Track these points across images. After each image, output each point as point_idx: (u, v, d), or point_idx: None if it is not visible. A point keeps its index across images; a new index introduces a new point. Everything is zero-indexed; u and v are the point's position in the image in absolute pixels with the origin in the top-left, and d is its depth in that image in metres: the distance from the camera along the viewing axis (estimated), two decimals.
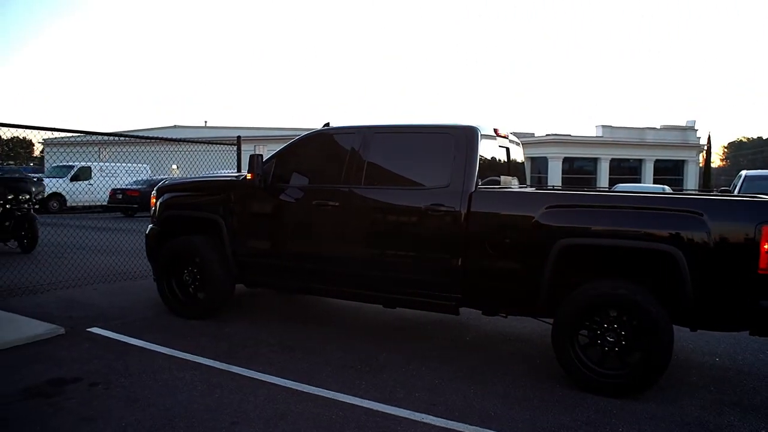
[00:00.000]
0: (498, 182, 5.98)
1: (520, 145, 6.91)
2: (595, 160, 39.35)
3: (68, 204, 23.15)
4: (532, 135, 41.43)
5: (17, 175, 13.01)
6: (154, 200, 7.16)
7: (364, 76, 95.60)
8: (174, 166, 35.63)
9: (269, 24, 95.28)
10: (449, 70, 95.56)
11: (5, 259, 10.03)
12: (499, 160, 6.21)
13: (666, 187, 21.27)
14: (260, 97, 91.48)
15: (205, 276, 6.50)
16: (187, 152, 11.65)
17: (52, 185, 22.72)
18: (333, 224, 5.86)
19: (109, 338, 5.82)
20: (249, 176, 6.18)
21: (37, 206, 11.60)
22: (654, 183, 34.43)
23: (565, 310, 4.83)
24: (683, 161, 40.64)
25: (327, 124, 6.52)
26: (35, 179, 12.25)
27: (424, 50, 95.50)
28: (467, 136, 5.49)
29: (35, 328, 5.81)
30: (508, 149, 6.37)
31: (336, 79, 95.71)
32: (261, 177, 6.19)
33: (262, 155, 6.26)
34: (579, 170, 39.93)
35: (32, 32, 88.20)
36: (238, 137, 10.37)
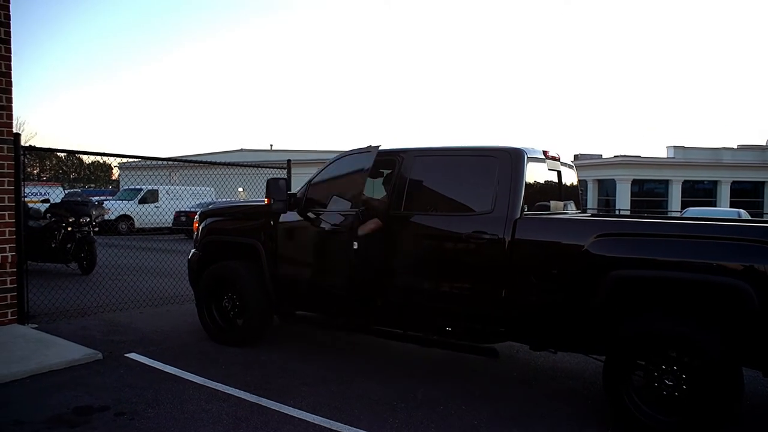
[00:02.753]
0: (548, 208, 5.61)
1: (574, 168, 6.51)
2: (666, 183, 37.73)
3: (136, 226, 23.85)
4: (600, 156, 40.23)
5: (79, 198, 13.41)
6: (197, 225, 7.13)
7: (435, 99, 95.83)
8: (240, 189, 36.51)
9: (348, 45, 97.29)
10: (514, 92, 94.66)
11: (64, 280, 10.28)
12: (550, 185, 5.84)
13: (742, 211, 19.95)
14: (332, 119, 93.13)
15: (243, 302, 6.39)
16: (251, 175, 11.73)
17: (121, 208, 23.51)
18: (370, 250, 5.62)
19: (145, 365, 5.74)
20: (266, 201, 6.01)
21: (96, 229, 11.91)
22: (730, 206, 32.63)
23: (617, 347, 4.40)
24: (762, 183, 38.45)
25: (369, 146, 6.32)
26: (96, 203, 12.62)
27: (488, 71, 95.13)
28: (513, 158, 5.17)
29: (73, 353, 5.81)
30: (559, 172, 6.00)
31: (411, 99, 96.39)
32: (290, 202, 6.02)
33: (285, 179, 6.08)
34: (649, 193, 38.40)
35: (113, 61, 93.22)
36: (288, 161, 10.33)
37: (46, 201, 12.06)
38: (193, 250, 7.16)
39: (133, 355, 5.98)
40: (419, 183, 5.61)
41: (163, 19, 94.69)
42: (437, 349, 5.58)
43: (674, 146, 38.09)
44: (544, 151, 5.64)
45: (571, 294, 4.67)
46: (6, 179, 6.67)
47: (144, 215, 22.90)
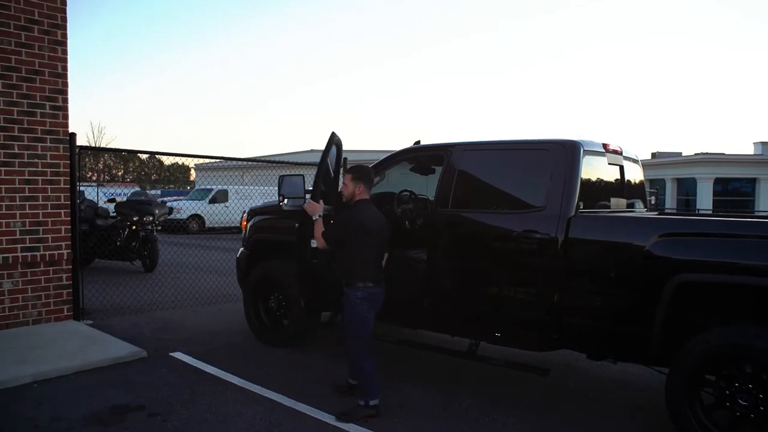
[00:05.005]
0: (607, 206, 5.18)
1: (639, 162, 6.00)
2: (753, 181, 35.44)
3: (207, 225, 24.41)
4: (679, 154, 38.28)
5: (143, 197, 13.75)
6: (245, 223, 7.06)
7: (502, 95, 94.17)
8: (309, 188, 36.93)
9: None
10: (590, 89, 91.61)
11: (127, 277, 10.51)
12: (610, 180, 5.40)
13: None
14: (396, 117, 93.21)
15: (289, 302, 6.24)
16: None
17: (192, 207, 24.13)
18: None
19: (187, 364, 5.68)
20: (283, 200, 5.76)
21: (159, 228, 12.15)
22: None
23: (683, 360, 3.96)
24: None
25: (418, 142, 6.07)
26: (159, 202, 12.88)
27: (561, 66, 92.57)
28: (567, 151, 4.78)
29: (119, 350, 5.82)
30: (621, 167, 5.53)
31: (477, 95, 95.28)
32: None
33: (302, 176, 5.82)
34: (734, 192, 36.14)
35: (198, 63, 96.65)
36: (345, 159, 10.17)
37: (113, 200, 12.40)
38: (242, 249, 7.10)
39: (177, 354, 5.94)
40: (467, 179, 5.29)
41: (238, 17, 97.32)
42: (490, 351, 5.25)
43: (762, 142, 35.76)
44: (603, 144, 5.20)
45: (630, 299, 4.26)
46: (62, 178, 6.79)
47: (214, 214, 23.40)
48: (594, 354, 4.71)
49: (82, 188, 25.28)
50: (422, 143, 6.01)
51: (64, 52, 6.80)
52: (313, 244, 5.05)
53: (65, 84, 6.80)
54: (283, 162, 11.30)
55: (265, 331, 6.47)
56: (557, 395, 5.10)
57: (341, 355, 6.00)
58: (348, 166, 5.58)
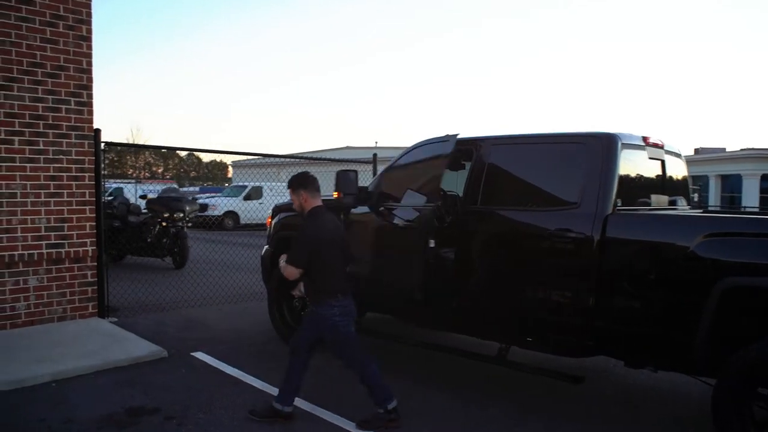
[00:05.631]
0: (647, 203, 4.85)
1: (682, 156, 5.63)
2: None
3: (241, 222, 24.48)
4: (723, 150, 37.02)
5: (173, 194, 13.77)
6: (270, 220, 6.91)
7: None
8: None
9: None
10: (631, 84, 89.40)
11: (156, 274, 10.50)
12: (650, 176, 5.06)
13: None
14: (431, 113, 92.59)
15: None
16: (361, 172, 11.58)
17: (227, 204, 24.23)
18: (443, 249, 5.11)
19: (208, 365, 5.55)
20: (335, 195, 5.62)
21: (189, 224, 12.13)
22: None
23: (731, 371, 3.63)
24: None
25: (447, 135, 5.81)
26: (190, 198, 12.87)
27: (601, 61, 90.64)
28: (604, 145, 4.47)
29: (140, 350, 5.72)
30: (663, 162, 5.18)
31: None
32: (361, 196, 5.63)
33: (355, 171, 5.67)
34: None
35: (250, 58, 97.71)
36: (374, 155, 9.97)
37: (144, 197, 12.44)
38: (266, 247, 6.94)
39: (198, 354, 5.81)
40: (497, 174, 5.02)
41: (274, 16, 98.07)
42: (523, 355, 4.98)
43: None
44: (643, 137, 4.87)
45: (672, 304, 3.94)
46: (87, 174, 6.74)
47: (248, 211, 23.44)
48: (632, 361, 4.40)
49: (120, 185, 25.74)
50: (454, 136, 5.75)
51: (89, 47, 6.75)
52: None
53: (90, 80, 6.74)
54: (320, 159, 11.20)
55: (288, 332, 6.29)
56: (591, 404, 4.80)
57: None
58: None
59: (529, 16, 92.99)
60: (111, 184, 27.93)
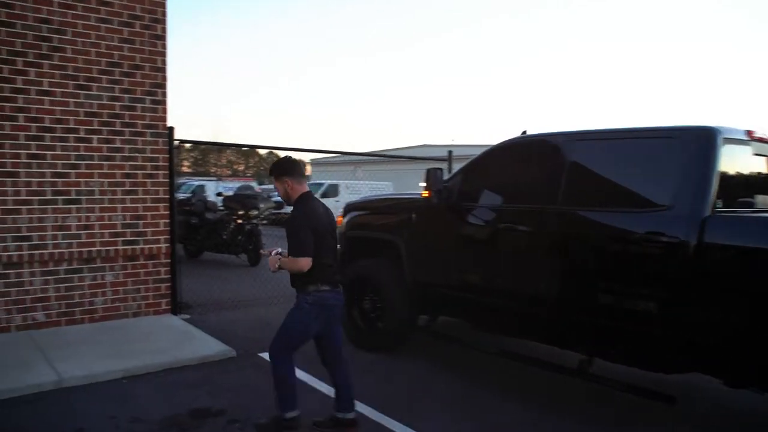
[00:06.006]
0: (752, 204, 4.35)
1: None
2: None
3: None
4: None
5: (249, 191, 13.94)
6: (341, 218, 6.76)
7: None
8: (422, 184, 36.54)
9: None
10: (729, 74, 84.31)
11: (230, 271, 10.63)
12: (757, 174, 4.55)
13: None
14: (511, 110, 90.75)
15: (383, 303, 5.88)
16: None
17: None
18: (521, 252, 4.80)
19: None
20: (425, 194, 5.41)
21: (264, 222, 12.22)
22: None
23: None
24: None
25: (524, 133, 5.48)
26: (265, 196, 12.98)
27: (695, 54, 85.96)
28: (701, 140, 4.03)
29: (208, 348, 5.69)
30: None
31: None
32: (441, 194, 5.38)
33: (441, 169, 5.44)
34: None
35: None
36: (449, 152, 9.69)
37: (220, 194, 12.64)
38: (338, 246, 6.79)
39: (266, 355, 5.67)
40: (579, 173, 4.64)
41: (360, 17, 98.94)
42: (600, 366, 4.60)
43: None
44: (747, 131, 4.36)
45: None
46: (161, 172, 6.81)
47: None
48: (733, 381, 3.94)
49: (202, 182, 26.49)
50: (528, 133, 5.42)
51: (164, 46, 6.81)
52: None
53: (164, 78, 6.81)
54: (398, 156, 11.02)
55: (358, 334, 6.14)
56: (684, 426, 4.35)
57: (440, 364, 5.58)
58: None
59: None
60: (193, 182, 28.89)
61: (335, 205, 23.13)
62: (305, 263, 3.75)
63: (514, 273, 4.85)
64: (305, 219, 3.82)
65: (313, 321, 3.91)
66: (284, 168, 3.98)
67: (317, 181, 28.85)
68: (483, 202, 5.31)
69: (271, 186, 35.48)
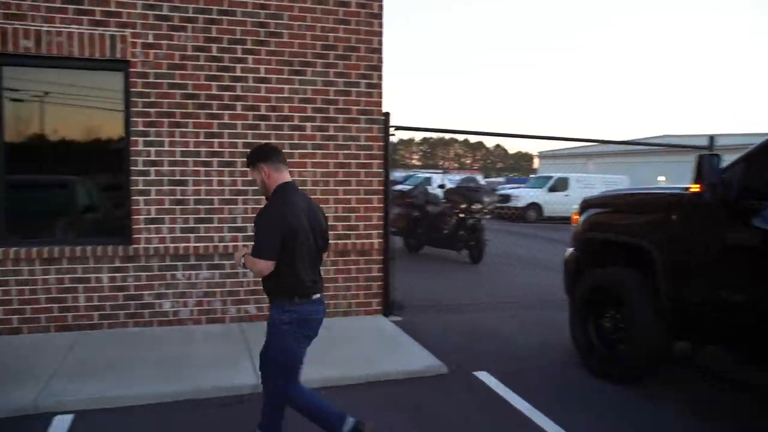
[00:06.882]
0: None
1: None
2: None
3: (544, 214, 23.23)
4: None
5: (472, 184, 13.16)
6: (576, 216, 5.64)
7: None
8: (661, 178, 32.86)
9: None
10: None
11: (450, 268, 9.97)
12: None
13: None
14: None
15: (627, 323, 4.69)
16: (674, 163, 9.85)
17: (530, 196, 23.24)
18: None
19: (492, 391, 4.54)
20: (695, 188, 4.10)
21: (488, 216, 11.35)
22: None
23: None
24: None
25: None
26: (489, 189, 12.11)
27: None
28: None
29: (416, 362, 5.00)
30: None
31: None
32: (717, 189, 4.03)
33: (717, 156, 4.07)
34: None
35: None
36: (711, 137, 7.89)
37: (442, 186, 12.08)
38: (571, 249, 5.69)
39: (482, 375, 4.86)
40: None
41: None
42: None
43: None
44: None
45: None
46: (375, 161, 6.32)
47: (553, 203, 22.16)
48: None
49: (428, 175, 26.79)
50: None
51: (380, 25, 6.29)
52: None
53: (380, 60, 6.28)
54: (654, 144, 9.52)
55: (591, 356, 5.02)
56: None
57: (708, 405, 4.26)
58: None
59: None
60: (420, 174, 29.18)
61: (564, 200, 21.70)
62: (263, 266, 3.12)
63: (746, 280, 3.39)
64: (276, 217, 3.13)
65: (294, 343, 3.29)
66: (262, 154, 3.32)
67: (545, 174, 27.29)
68: None
69: (497, 179, 34.92)
